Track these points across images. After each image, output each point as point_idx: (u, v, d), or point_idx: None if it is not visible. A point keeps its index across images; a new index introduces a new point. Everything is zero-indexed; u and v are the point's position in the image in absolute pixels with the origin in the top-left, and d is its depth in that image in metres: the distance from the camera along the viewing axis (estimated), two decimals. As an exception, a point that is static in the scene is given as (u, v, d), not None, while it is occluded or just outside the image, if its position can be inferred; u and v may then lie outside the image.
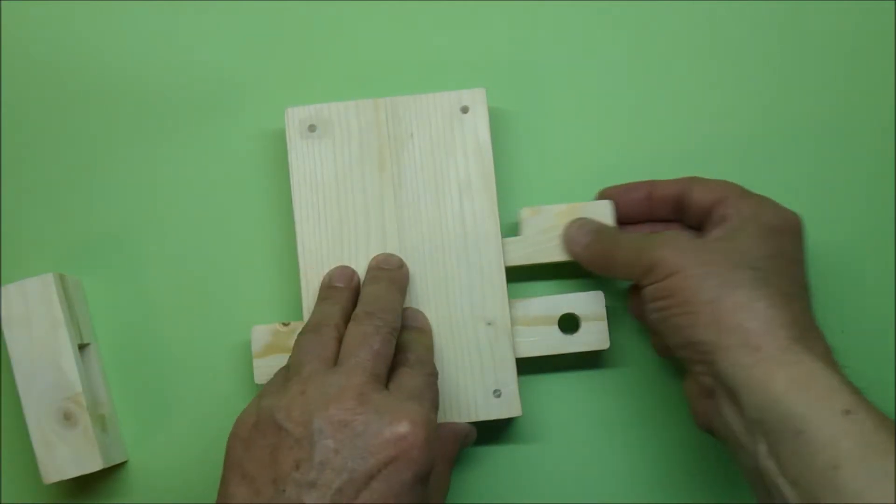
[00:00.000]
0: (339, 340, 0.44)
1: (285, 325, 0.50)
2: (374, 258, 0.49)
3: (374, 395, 0.40)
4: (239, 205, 0.53)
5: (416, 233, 0.49)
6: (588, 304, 0.49)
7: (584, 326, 0.49)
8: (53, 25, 0.54)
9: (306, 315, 0.49)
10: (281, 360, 0.48)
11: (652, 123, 0.53)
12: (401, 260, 0.49)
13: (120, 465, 0.52)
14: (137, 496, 0.52)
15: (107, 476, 0.52)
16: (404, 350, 0.46)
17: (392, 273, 0.48)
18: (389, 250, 0.49)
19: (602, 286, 0.51)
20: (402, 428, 0.39)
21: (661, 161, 0.52)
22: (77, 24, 0.54)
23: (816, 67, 0.53)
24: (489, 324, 0.49)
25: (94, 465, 0.48)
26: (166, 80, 0.54)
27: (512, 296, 0.49)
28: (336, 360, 0.43)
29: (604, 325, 0.49)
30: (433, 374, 0.45)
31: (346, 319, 0.45)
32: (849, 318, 0.52)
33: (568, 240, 0.49)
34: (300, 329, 0.48)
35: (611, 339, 0.49)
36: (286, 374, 0.44)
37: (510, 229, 0.51)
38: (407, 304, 0.49)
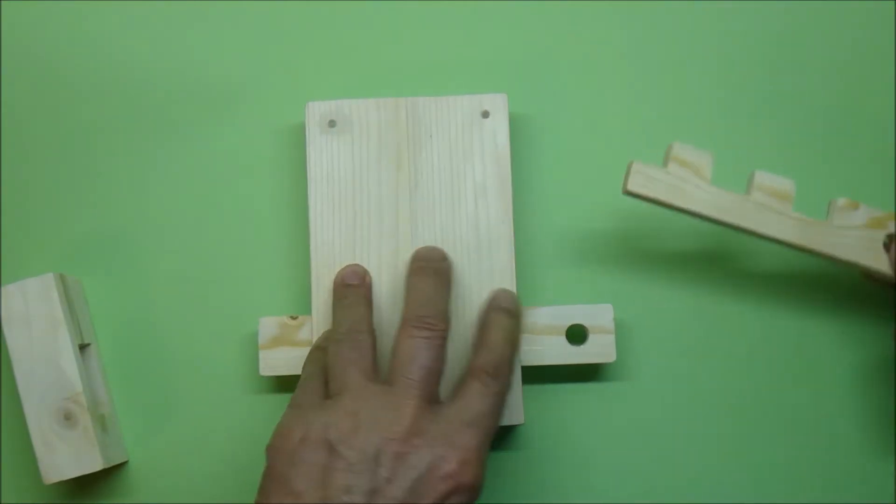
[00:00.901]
0: (374, 346, 0.44)
1: (293, 318, 0.50)
2: (417, 251, 0.48)
3: (427, 424, 0.41)
4: (241, 202, 0.53)
5: (429, 234, 0.49)
6: (597, 316, 0.49)
7: (591, 338, 0.49)
8: (55, 25, 0.54)
9: (315, 310, 0.49)
10: (287, 353, 0.49)
11: (673, 129, 0.53)
12: (444, 252, 0.48)
13: (120, 466, 0.52)
14: (138, 496, 0.52)
15: (107, 476, 0.52)
16: (488, 345, 0.44)
17: (436, 265, 0.47)
18: (402, 250, 0.49)
19: (613, 298, 0.51)
20: (453, 465, 0.40)
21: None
22: (78, 22, 0.54)
23: (831, 65, 0.53)
24: None
25: (94, 465, 0.48)
26: (168, 78, 0.53)
27: (522, 303, 0.49)
28: (375, 368, 0.43)
29: (611, 338, 0.49)
30: (505, 391, 0.43)
31: (371, 317, 0.46)
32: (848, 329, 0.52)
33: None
34: (307, 322, 0.49)
35: (617, 353, 0.50)
36: (325, 388, 0.44)
37: (530, 232, 0.51)
38: None
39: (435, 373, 0.42)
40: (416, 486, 0.39)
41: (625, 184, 0.44)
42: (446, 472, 0.40)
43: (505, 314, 0.45)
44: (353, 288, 0.47)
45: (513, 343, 0.45)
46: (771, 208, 0.45)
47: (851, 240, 0.46)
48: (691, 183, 0.45)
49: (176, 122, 0.53)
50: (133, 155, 0.53)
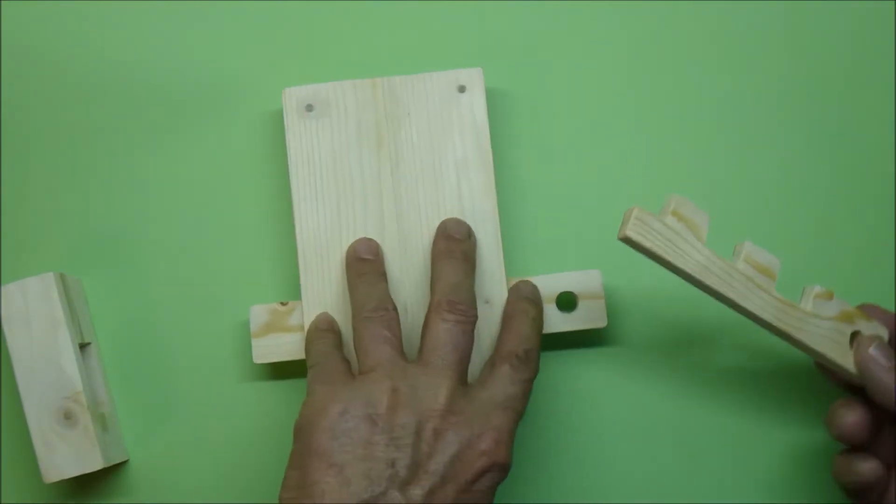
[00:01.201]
0: (399, 321, 0.45)
1: (283, 304, 0.50)
2: (443, 223, 0.49)
3: (463, 403, 0.42)
4: (238, 194, 0.53)
5: (413, 211, 0.49)
6: (586, 282, 0.49)
7: (581, 305, 0.49)
8: (53, 25, 0.54)
9: (305, 295, 0.49)
10: (279, 339, 0.49)
11: (652, 104, 0.53)
12: (469, 228, 0.48)
13: (120, 465, 0.51)
14: (138, 496, 0.51)
15: (107, 475, 0.52)
16: (517, 332, 0.46)
17: (464, 245, 0.48)
18: (387, 228, 0.49)
19: (600, 264, 0.50)
20: (486, 444, 0.41)
21: (661, 144, 0.53)
22: (75, 23, 0.54)
23: (818, 66, 0.53)
24: (486, 302, 0.48)
25: (94, 464, 0.48)
26: (163, 75, 0.54)
27: (510, 274, 0.49)
28: (402, 345, 0.45)
29: (601, 303, 0.49)
30: (533, 377, 0.45)
31: (389, 291, 0.47)
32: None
33: (867, 359, 0.45)
34: (297, 307, 0.49)
35: (608, 318, 0.49)
36: (347, 365, 0.45)
37: (514, 204, 0.51)
38: (416, 280, 0.49)
39: (466, 356, 0.44)
40: (454, 462, 0.41)
41: (623, 229, 0.42)
42: (482, 449, 0.41)
43: (529, 303, 0.47)
44: (369, 263, 0.48)
45: (539, 331, 0.46)
46: (756, 283, 0.44)
47: (822, 329, 0.45)
48: (687, 241, 0.42)
49: (166, 120, 0.54)
50: (130, 154, 0.54)
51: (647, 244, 0.41)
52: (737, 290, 0.43)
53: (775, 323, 0.44)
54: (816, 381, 0.50)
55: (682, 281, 0.42)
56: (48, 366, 0.49)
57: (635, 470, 0.50)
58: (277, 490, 0.43)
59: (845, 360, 0.45)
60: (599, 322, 0.49)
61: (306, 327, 0.49)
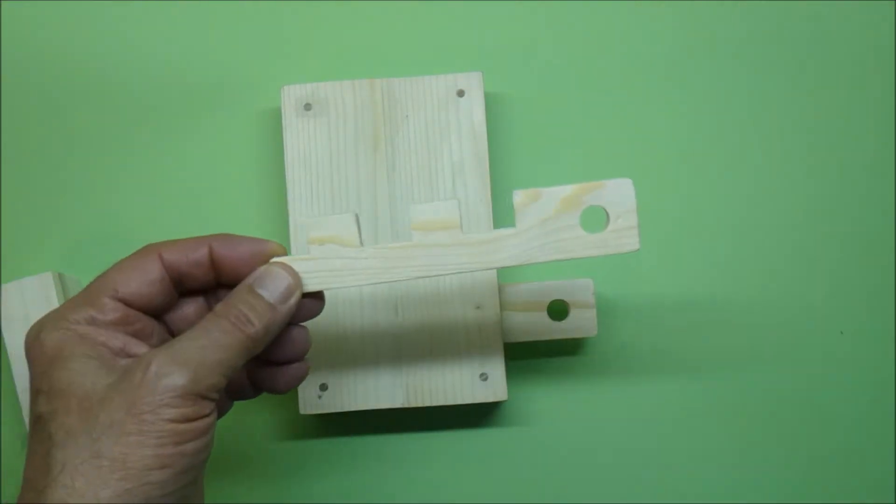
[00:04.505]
0: None
1: None
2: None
3: None
4: (235, 192, 0.53)
5: (407, 214, 0.49)
6: (577, 291, 0.49)
7: (572, 313, 0.49)
8: (52, 25, 0.54)
9: None
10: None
11: (650, 110, 0.53)
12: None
13: (117, 462, 0.52)
14: (135, 493, 0.52)
15: (104, 472, 0.52)
16: None
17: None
18: (381, 230, 0.49)
19: (592, 273, 0.51)
20: None
21: (659, 150, 0.53)
22: (74, 23, 0.54)
23: (813, 65, 0.53)
24: (478, 307, 0.49)
25: (91, 462, 0.48)
26: (161, 72, 0.54)
27: (502, 280, 0.49)
28: None
29: (592, 312, 0.49)
30: None
31: None
32: (848, 318, 0.52)
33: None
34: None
35: (598, 327, 0.49)
36: None
37: (510, 219, 0.51)
38: (397, 287, 0.49)
39: None
40: None
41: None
42: None
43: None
44: None
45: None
46: (439, 244, 0.39)
47: (539, 239, 0.39)
48: (343, 256, 0.40)
49: (164, 118, 0.54)
50: (125, 153, 0.54)
51: (312, 287, 0.39)
52: (423, 264, 0.39)
53: (481, 267, 0.39)
54: (811, 384, 0.51)
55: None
56: (46, 364, 0.49)
57: (623, 476, 0.51)
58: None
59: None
60: (590, 331, 0.49)
61: None
